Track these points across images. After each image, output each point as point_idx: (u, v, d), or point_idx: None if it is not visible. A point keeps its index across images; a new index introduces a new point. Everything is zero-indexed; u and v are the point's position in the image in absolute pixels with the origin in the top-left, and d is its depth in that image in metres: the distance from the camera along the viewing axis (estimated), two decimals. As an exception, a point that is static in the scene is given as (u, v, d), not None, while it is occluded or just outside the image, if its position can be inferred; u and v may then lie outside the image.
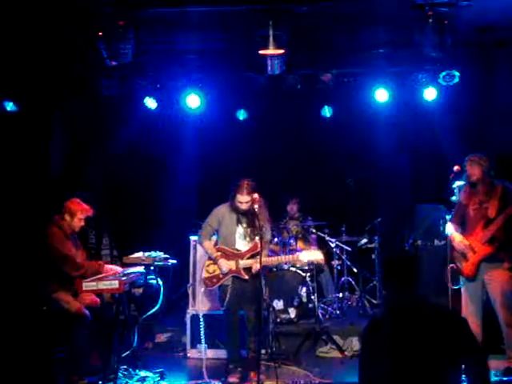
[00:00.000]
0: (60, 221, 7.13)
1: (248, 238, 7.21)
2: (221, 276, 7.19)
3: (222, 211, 7.25)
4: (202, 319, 7.64)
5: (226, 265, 7.14)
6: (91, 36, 7.08)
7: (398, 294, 4.24)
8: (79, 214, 7.16)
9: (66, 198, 7.32)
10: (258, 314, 7.18)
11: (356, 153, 10.21)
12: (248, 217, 7.14)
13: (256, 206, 6.93)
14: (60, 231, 7.07)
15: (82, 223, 7.24)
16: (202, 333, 7.62)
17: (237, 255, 7.16)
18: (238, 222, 7.20)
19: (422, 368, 4.02)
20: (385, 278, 4.32)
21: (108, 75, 8.31)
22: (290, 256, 7.75)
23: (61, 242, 7.00)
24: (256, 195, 6.98)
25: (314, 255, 7.40)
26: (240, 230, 7.21)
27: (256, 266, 7.02)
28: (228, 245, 7.22)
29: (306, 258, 7.46)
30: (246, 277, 7.09)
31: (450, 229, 7.00)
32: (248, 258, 7.10)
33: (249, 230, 7.15)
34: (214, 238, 7.43)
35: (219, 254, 7.20)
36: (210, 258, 7.31)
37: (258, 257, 6.94)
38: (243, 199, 7.04)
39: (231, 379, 7.15)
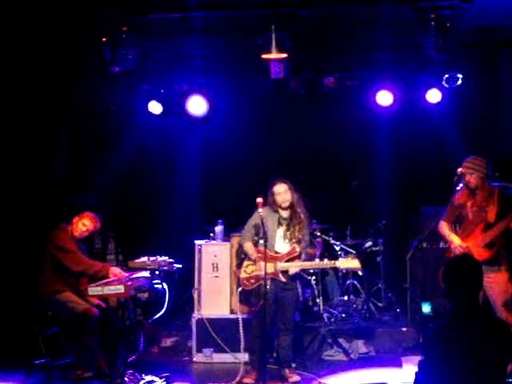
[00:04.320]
0: (66, 225, 7.21)
1: (288, 241, 7.24)
2: (259, 277, 7.21)
3: (264, 213, 7.23)
4: (207, 323, 7.69)
5: (262, 267, 7.14)
6: (95, 42, 7.10)
7: (466, 299, 4.25)
8: (87, 220, 7.21)
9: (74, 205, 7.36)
10: (292, 316, 7.34)
11: (360, 156, 10.21)
12: (289, 219, 7.18)
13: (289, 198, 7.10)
14: (65, 233, 7.14)
15: (84, 231, 7.23)
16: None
17: (275, 258, 7.20)
18: (279, 223, 7.25)
19: (486, 373, 4.05)
20: (452, 284, 4.31)
21: (111, 81, 8.33)
22: (328, 262, 7.77)
23: (64, 240, 7.07)
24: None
25: (352, 263, 7.37)
26: (280, 232, 7.25)
27: (293, 270, 7.13)
28: (268, 247, 7.24)
29: (344, 266, 7.51)
30: (284, 279, 7.13)
31: (445, 229, 7.00)
32: (286, 261, 7.14)
33: (289, 232, 7.18)
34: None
35: (259, 255, 7.23)
36: (249, 259, 7.35)
37: (295, 260, 7.16)
38: (278, 189, 7.15)
39: (247, 380, 7.23)
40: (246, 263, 7.39)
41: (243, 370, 7.32)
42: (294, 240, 7.21)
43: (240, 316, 7.63)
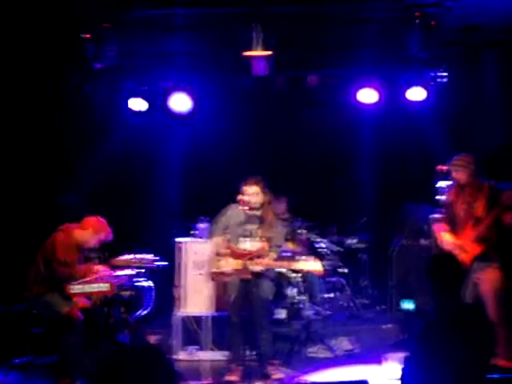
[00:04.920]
0: (77, 234, 7.09)
1: (257, 239, 7.25)
2: (227, 273, 7.25)
3: (233, 209, 7.30)
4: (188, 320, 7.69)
5: (231, 263, 7.19)
6: (78, 38, 7.08)
7: (449, 296, 4.28)
8: (103, 236, 7.19)
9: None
10: (264, 312, 7.29)
11: (344, 153, 10.23)
12: (258, 218, 7.19)
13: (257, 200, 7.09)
14: (65, 239, 7.02)
15: (97, 243, 7.24)
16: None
17: (243, 255, 7.20)
18: (247, 221, 7.25)
19: (469, 369, 4.07)
20: (433, 280, 4.35)
21: (94, 77, 8.31)
22: (290, 263, 7.77)
23: (66, 250, 6.94)
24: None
25: (314, 266, 7.33)
26: (248, 229, 7.24)
27: (258, 268, 7.12)
28: (236, 243, 7.27)
29: (306, 268, 7.47)
30: (249, 277, 7.14)
31: (439, 229, 7.03)
32: (252, 259, 7.15)
33: (258, 231, 7.19)
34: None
35: (227, 251, 7.26)
36: (218, 254, 7.36)
37: (263, 258, 7.12)
38: (248, 190, 7.14)
39: (231, 377, 7.22)
40: (215, 258, 7.41)
41: (209, 368, 7.35)
42: (262, 239, 7.22)
43: (210, 314, 7.85)
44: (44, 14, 6.81)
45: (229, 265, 7.20)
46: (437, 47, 7.40)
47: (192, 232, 8.55)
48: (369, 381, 5.35)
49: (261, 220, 7.23)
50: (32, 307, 7.03)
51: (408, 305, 7.85)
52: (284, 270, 8.82)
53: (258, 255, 7.18)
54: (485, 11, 7.54)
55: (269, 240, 7.25)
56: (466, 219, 6.81)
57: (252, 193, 7.16)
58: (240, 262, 7.17)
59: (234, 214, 7.31)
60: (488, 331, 4.29)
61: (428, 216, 8.24)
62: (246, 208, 7.08)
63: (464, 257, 6.61)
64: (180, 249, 8.35)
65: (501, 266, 6.70)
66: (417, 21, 7.19)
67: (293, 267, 7.74)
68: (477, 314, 4.48)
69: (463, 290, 6.63)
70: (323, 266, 7.62)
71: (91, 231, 7.12)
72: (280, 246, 7.53)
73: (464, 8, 7.25)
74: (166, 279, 8.38)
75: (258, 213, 7.22)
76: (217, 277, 7.35)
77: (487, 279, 6.66)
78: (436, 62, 8.44)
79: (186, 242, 8.38)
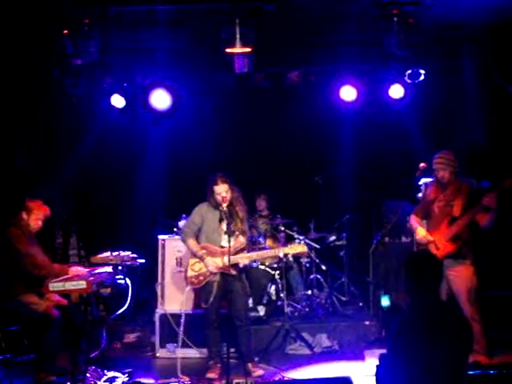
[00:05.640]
0: (19, 221, 7.06)
1: (236, 233, 7.25)
2: (208, 274, 7.23)
3: (204, 209, 7.33)
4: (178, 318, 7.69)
5: (213, 262, 7.20)
6: (57, 34, 7.03)
7: (427, 293, 4.29)
8: (36, 211, 7.10)
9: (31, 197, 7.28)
10: (245, 308, 7.36)
11: (324, 150, 10.25)
12: (230, 213, 7.18)
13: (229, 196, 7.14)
14: (18, 231, 6.99)
15: (40, 224, 7.17)
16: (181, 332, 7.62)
17: (222, 252, 7.19)
18: (221, 218, 7.25)
19: (447, 365, 4.10)
20: (411, 277, 4.37)
21: (74, 73, 8.24)
22: (276, 250, 7.81)
23: (20, 241, 6.92)
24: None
25: (299, 248, 7.50)
26: (223, 227, 7.23)
27: (243, 261, 7.16)
28: (212, 242, 7.28)
29: (292, 251, 7.58)
30: (234, 272, 7.14)
31: (414, 222, 7.07)
32: (234, 254, 7.13)
33: (231, 226, 7.18)
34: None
35: (204, 251, 7.26)
36: (194, 256, 7.34)
37: (244, 252, 7.24)
38: (220, 189, 7.15)
39: (210, 375, 7.23)
40: (191, 261, 7.40)
41: (189, 366, 7.34)
42: (237, 233, 7.24)
43: (189, 311, 7.88)
44: (24, 8, 6.74)
45: (206, 266, 7.22)
46: (415, 45, 7.42)
47: (175, 229, 8.52)
48: (351, 377, 5.39)
49: (233, 215, 7.24)
50: (8, 306, 6.96)
51: (386, 301, 7.89)
52: (263, 267, 8.85)
53: (239, 250, 7.21)
54: (463, 9, 7.57)
55: (244, 233, 7.31)
56: (441, 216, 6.86)
57: (224, 191, 7.18)
58: (220, 259, 7.18)
59: (207, 213, 7.32)
60: (466, 328, 4.31)
61: (409, 213, 8.29)
62: (225, 205, 7.09)
63: (435, 253, 6.65)
64: (161, 246, 8.34)
65: (474, 264, 6.78)
66: (395, 19, 7.20)
67: (279, 253, 7.80)
68: (454, 311, 4.52)
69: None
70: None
71: (32, 213, 7.08)
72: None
73: (442, 6, 7.27)
74: (151, 276, 8.36)
75: (227, 209, 7.21)
76: (196, 280, 7.33)
77: (461, 276, 6.73)
78: (415, 60, 8.47)
79: (166, 239, 8.37)
